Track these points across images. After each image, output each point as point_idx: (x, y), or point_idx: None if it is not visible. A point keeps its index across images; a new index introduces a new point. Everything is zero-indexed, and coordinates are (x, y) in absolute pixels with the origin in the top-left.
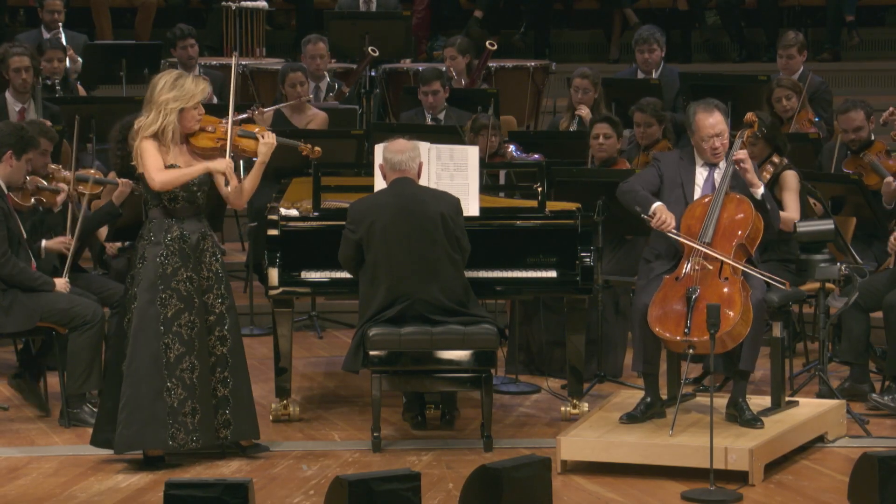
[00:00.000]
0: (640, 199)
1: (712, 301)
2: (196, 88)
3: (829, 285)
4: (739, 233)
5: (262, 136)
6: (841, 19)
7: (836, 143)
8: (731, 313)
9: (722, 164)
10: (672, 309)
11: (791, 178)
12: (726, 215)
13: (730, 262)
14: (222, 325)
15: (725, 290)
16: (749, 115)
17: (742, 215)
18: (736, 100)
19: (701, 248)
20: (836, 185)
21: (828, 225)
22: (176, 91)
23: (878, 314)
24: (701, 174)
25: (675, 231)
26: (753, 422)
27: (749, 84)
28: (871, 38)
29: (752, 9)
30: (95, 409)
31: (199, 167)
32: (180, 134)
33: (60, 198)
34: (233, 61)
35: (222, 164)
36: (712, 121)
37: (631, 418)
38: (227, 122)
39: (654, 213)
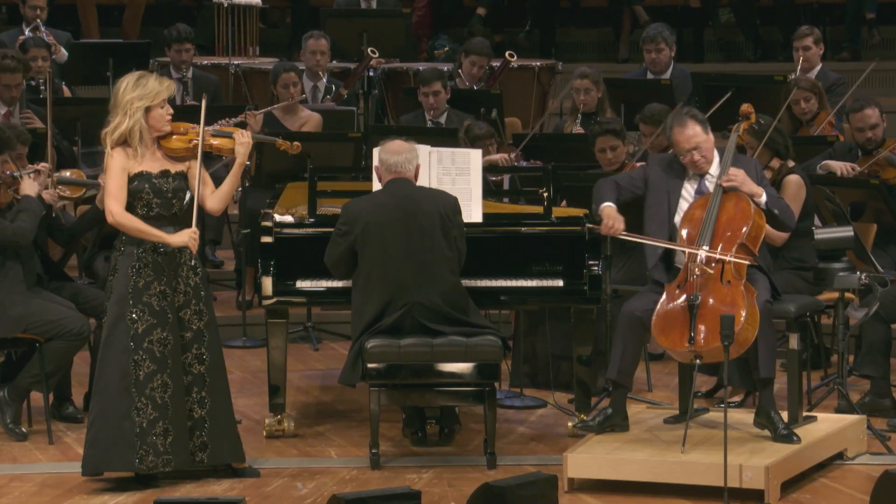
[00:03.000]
0: (598, 196)
1: (715, 307)
2: (160, 86)
3: (848, 295)
4: (740, 231)
5: (239, 136)
6: (861, 17)
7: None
8: (736, 318)
9: (714, 170)
10: (675, 318)
11: (792, 183)
12: (725, 215)
13: (722, 257)
14: (200, 342)
15: (728, 294)
16: (744, 107)
17: (741, 213)
18: (751, 101)
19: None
20: (855, 189)
21: (847, 232)
22: (140, 90)
23: None
24: (691, 184)
25: (625, 232)
26: (789, 437)
27: (764, 85)
28: (892, 36)
29: (768, 6)
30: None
31: (156, 233)
32: (150, 137)
33: (40, 180)
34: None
35: (184, 237)
36: (688, 133)
37: (585, 427)
38: (199, 125)
39: (601, 216)
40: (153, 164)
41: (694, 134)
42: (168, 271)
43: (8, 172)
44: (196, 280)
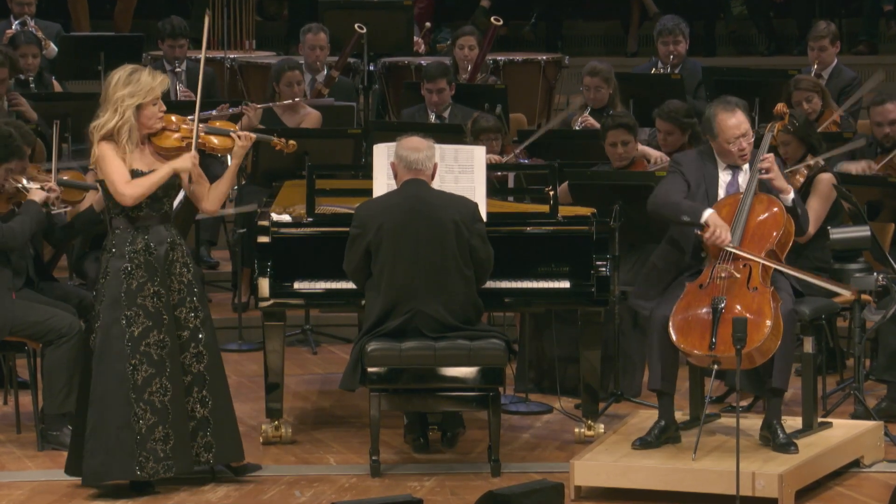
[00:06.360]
0: (687, 209)
1: (740, 313)
2: (154, 81)
3: (864, 297)
4: (771, 237)
5: (240, 137)
6: (878, 9)
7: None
8: (761, 327)
9: (745, 166)
10: (696, 320)
11: (825, 182)
12: (755, 218)
13: (766, 262)
14: (197, 340)
15: (755, 301)
16: (779, 106)
17: (773, 218)
18: (764, 96)
19: (747, 255)
20: (872, 188)
21: (863, 231)
22: (132, 86)
23: None
24: (724, 177)
25: (732, 245)
26: (787, 446)
27: (778, 79)
28: None
29: None
30: None
31: (165, 169)
32: (140, 134)
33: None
34: (201, 54)
35: (187, 162)
36: (735, 121)
37: (644, 444)
38: (191, 119)
39: (709, 225)
40: (142, 162)
41: (742, 121)
42: (161, 270)
43: (15, 183)
44: (189, 277)
